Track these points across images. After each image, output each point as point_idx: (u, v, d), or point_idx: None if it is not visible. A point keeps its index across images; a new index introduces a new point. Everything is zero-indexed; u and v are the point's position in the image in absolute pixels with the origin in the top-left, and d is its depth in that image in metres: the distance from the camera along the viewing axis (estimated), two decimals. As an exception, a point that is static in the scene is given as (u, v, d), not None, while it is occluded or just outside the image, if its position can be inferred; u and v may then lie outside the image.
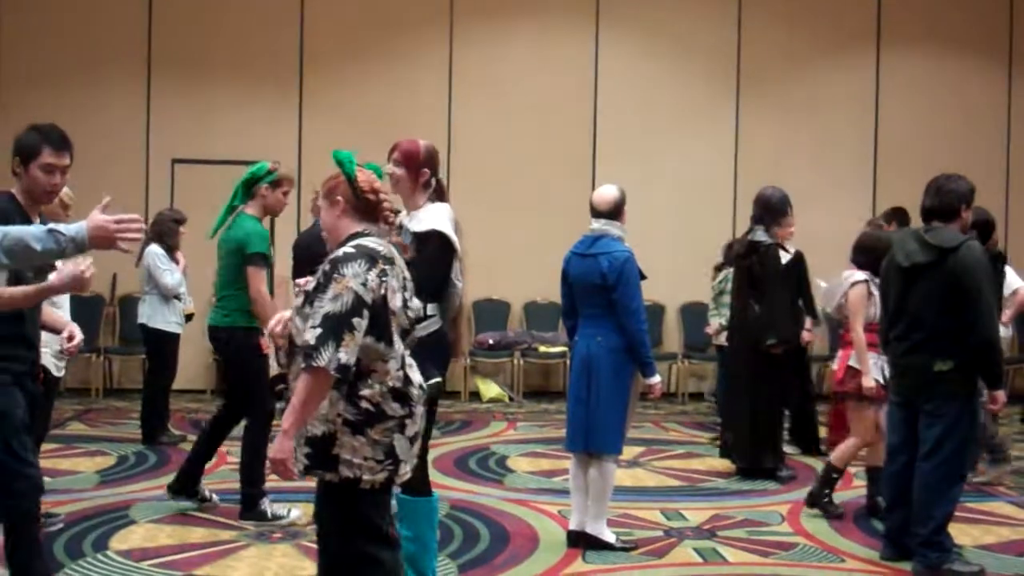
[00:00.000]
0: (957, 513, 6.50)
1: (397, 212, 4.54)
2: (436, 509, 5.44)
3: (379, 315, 4.06)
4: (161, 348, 9.92)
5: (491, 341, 13.01)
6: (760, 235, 8.81)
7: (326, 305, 3.96)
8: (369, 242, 4.16)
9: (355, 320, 3.95)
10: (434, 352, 5.13)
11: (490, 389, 12.97)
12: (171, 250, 9.91)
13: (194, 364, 12.29)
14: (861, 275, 7.50)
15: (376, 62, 13.35)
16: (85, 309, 10.75)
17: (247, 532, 6.92)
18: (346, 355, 3.92)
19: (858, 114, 14.05)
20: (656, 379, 6.70)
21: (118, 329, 12.91)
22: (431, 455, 5.48)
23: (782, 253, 8.82)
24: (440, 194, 5.43)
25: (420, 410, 4.23)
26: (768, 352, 8.69)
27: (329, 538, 4.27)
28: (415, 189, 5.36)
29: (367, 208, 4.27)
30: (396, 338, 4.16)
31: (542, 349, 12.99)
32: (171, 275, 9.74)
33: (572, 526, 6.79)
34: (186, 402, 12.01)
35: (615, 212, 6.71)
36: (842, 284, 7.59)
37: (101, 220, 4.11)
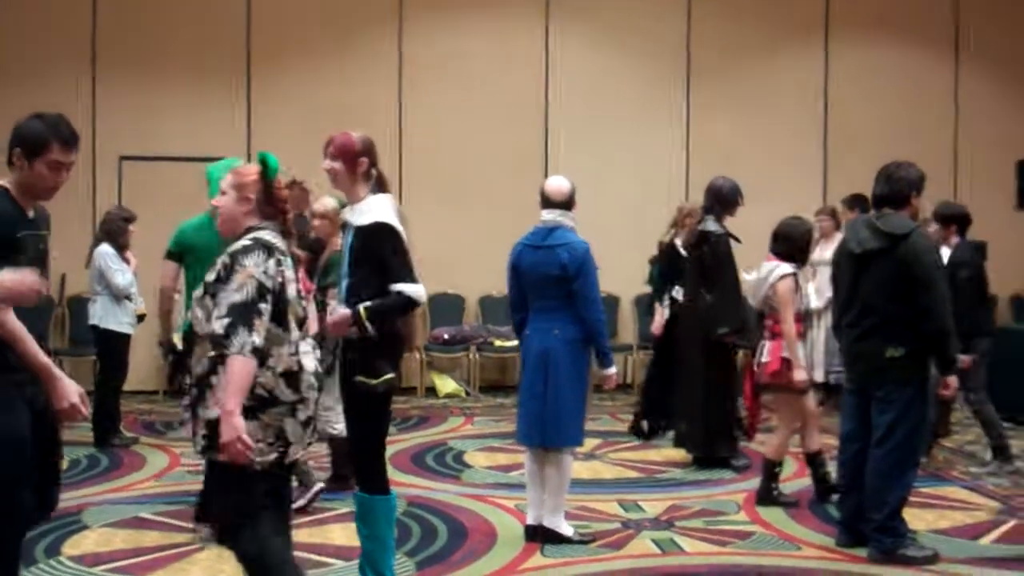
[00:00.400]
0: (911, 498, 6.55)
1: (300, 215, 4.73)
2: (394, 507, 5.40)
3: (278, 302, 4.29)
4: (113, 349, 9.81)
5: (446, 336, 12.97)
6: (711, 225, 8.82)
7: (231, 295, 4.18)
8: (265, 235, 4.40)
9: (261, 306, 4.20)
10: (386, 348, 5.10)
11: (446, 384, 12.93)
12: (121, 249, 9.80)
13: (145, 365, 12.17)
14: (788, 267, 7.54)
15: (325, 56, 13.26)
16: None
17: (201, 535, 6.84)
18: (258, 337, 4.16)
19: (808, 104, 14.13)
20: (613, 369, 6.73)
21: (68, 331, 12.76)
22: (387, 452, 5.42)
23: (733, 243, 8.85)
24: (381, 185, 5.37)
25: (313, 395, 4.39)
26: (720, 341, 8.70)
27: (227, 527, 4.41)
28: (355, 181, 5.30)
29: (273, 212, 4.51)
30: (292, 325, 4.37)
31: (498, 343, 12.96)
32: (123, 275, 9.64)
33: (529, 520, 6.78)
34: (138, 403, 11.91)
35: (568, 203, 6.69)
36: (768, 277, 7.60)
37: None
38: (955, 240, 8.83)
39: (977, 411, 8.91)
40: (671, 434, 9.44)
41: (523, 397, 6.74)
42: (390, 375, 5.12)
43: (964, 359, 8.56)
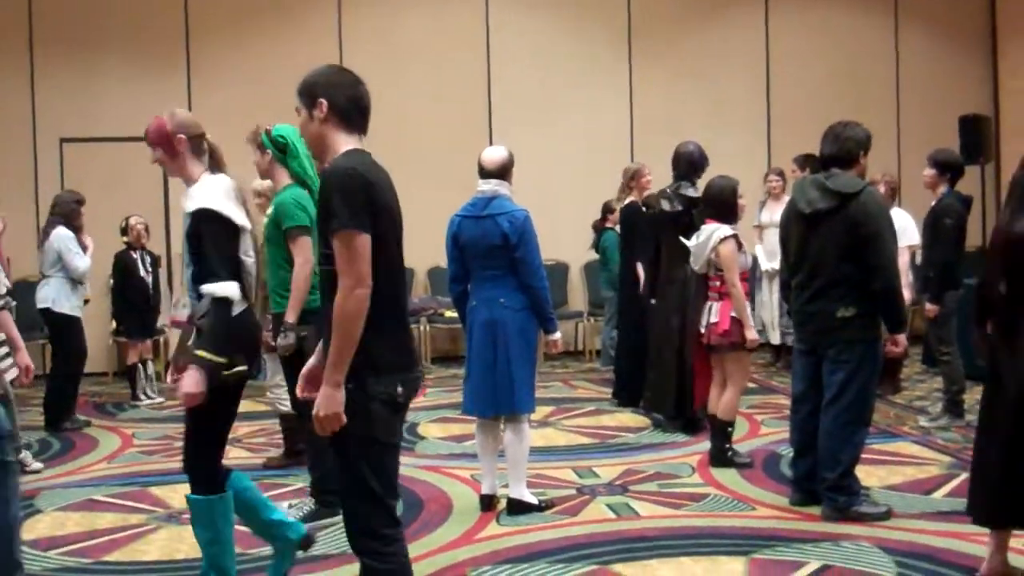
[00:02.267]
0: (863, 455, 6.61)
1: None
2: (231, 506, 5.11)
3: None
4: (68, 333, 9.67)
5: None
6: (691, 191, 8.80)
7: None
8: None
9: None
10: (236, 338, 4.87)
11: (397, 356, 12.90)
12: (77, 231, 9.69)
13: (95, 346, 12.05)
14: (728, 229, 7.60)
15: (263, 31, 13.16)
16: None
17: (156, 515, 6.84)
18: None
19: (750, 67, 14.17)
20: (558, 335, 6.76)
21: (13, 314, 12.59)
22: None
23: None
24: (216, 162, 5.17)
25: None
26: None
27: None
28: (182, 162, 5.08)
29: None
30: None
31: (448, 314, 12.91)
32: (81, 258, 9.54)
33: (484, 490, 6.80)
34: (89, 385, 11.80)
35: (504, 172, 6.68)
36: (709, 240, 7.64)
37: None
38: (942, 189, 8.80)
39: (946, 363, 8.90)
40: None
41: (472, 368, 6.73)
42: (242, 367, 4.86)
43: (931, 308, 8.67)
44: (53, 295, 9.54)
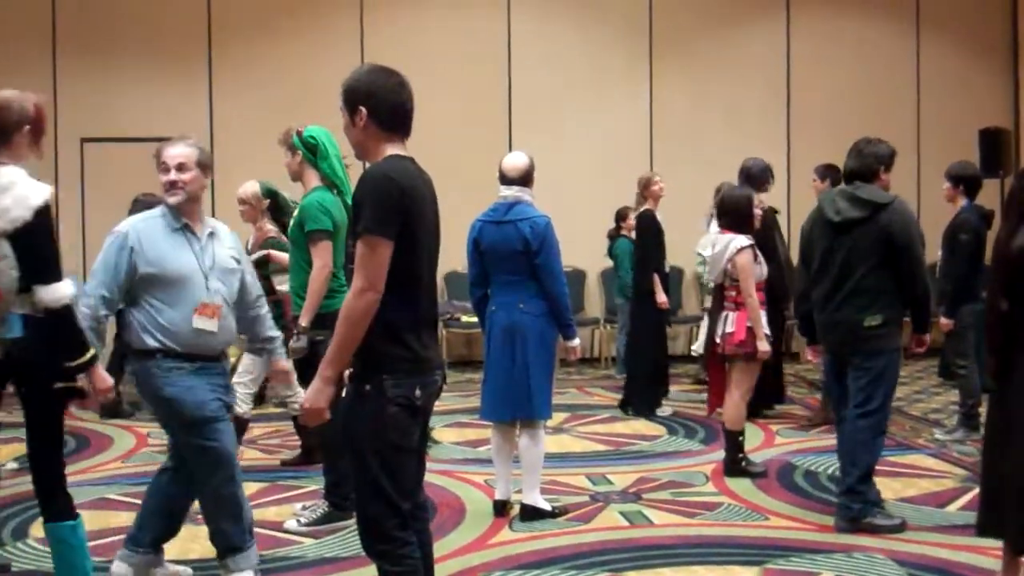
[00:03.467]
0: (879, 467, 6.59)
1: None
2: (83, 534, 5.05)
3: None
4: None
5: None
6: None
7: None
8: None
9: None
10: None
11: (413, 361, 12.90)
12: None
13: (111, 346, 12.09)
14: (744, 240, 7.60)
15: (286, 34, 13.19)
16: None
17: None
18: None
19: (771, 75, 14.14)
20: (576, 342, 6.77)
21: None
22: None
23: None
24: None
25: None
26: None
27: None
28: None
29: None
30: None
31: (464, 319, 12.91)
32: None
33: (498, 496, 6.80)
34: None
35: (526, 179, 6.69)
36: (726, 250, 7.64)
37: None
38: (962, 203, 8.80)
39: (963, 377, 8.86)
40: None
41: (490, 372, 6.74)
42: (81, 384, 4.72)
43: (946, 322, 8.64)
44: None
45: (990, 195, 12.89)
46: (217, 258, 5.23)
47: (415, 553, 4.00)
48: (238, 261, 5.39)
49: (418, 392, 3.91)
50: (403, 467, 3.96)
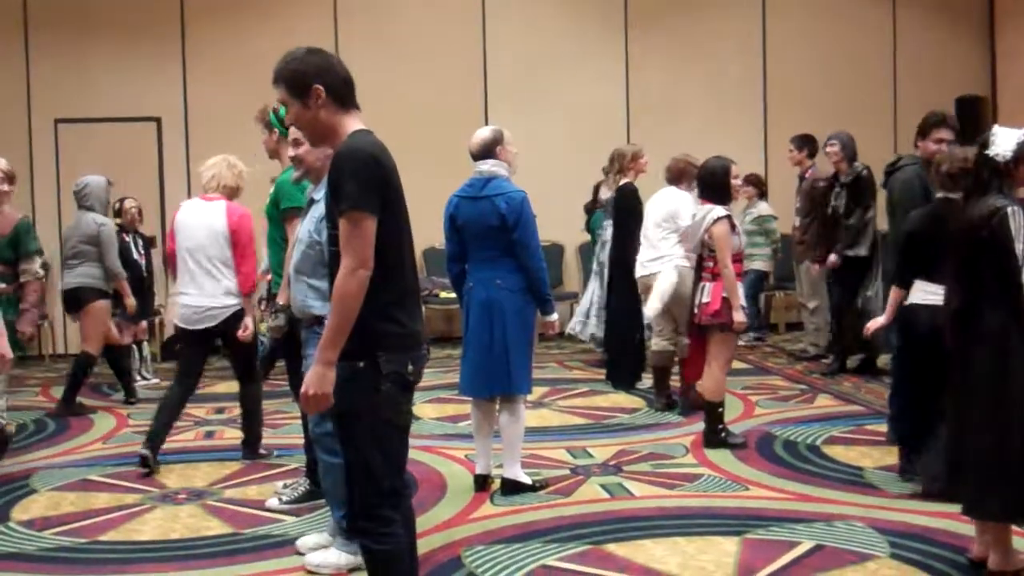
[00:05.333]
0: (856, 436, 6.63)
1: None
2: None
3: None
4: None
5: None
6: None
7: None
8: None
9: None
10: None
11: (393, 338, 12.89)
12: None
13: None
14: (721, 210, 7.60)
15: (259, 10, 13.13)
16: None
17: (151, 495, 6.84)
18: None
19: (747, 46, 14.12)
20: (554, 316, 6.75)
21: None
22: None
23: None
24: None
25: None
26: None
27: None
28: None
29: None
30: None
31: (443, 295, 12.91)
32: None
33: (479, 470, 6.82)
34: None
35: (489, 151, 6.65)
36: (703, 221, 7.65)
37: None
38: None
39: None
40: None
41: (468, 349, 6.75)
42: None
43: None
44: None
45: (966, 163, 12.96)
46: None
47: (399, 531, 3.99)
48: None
49: (410, 367, 3.90)
50: (394, 444, 3.95)
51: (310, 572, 5.38)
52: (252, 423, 7.74)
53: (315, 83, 3.91)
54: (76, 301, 9.42)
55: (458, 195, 6.73)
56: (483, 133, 6.76)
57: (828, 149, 10.19)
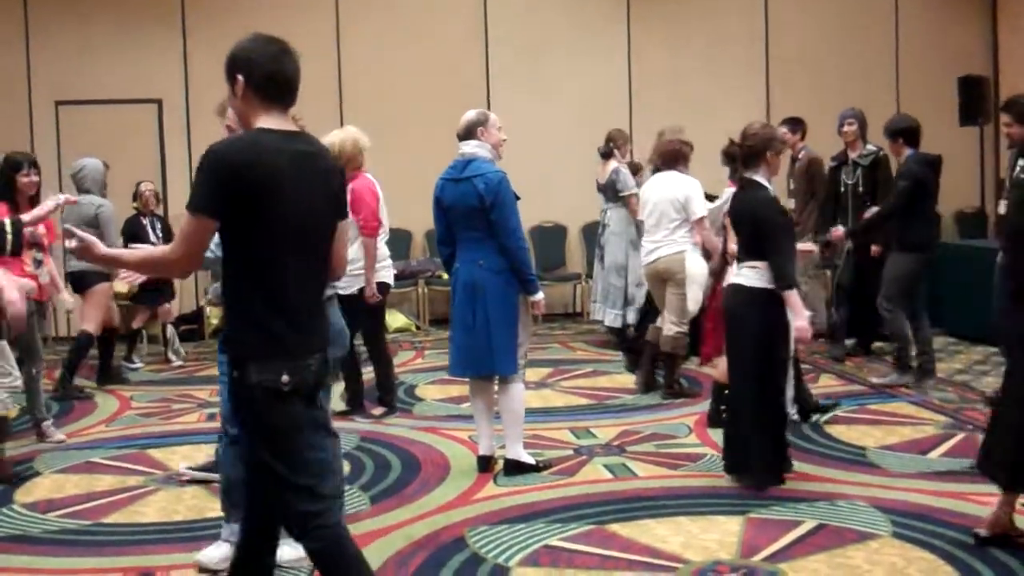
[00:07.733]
0: (859, 415, 6.62)
1: None
2: None
3: None
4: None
5: (395, 271, 12.89)
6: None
7: None
8: None
9: None
10: None
11: (396, 319, 12.91)
12: None
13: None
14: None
15: (261, -7, 13.10)
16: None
17: (155, 477, 6.85)
18: None
19: (749, 23, 14.04)
20: (539, 296, 6.69)
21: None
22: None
23: None
24: None
25: None
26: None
27: None
28: None
29: None
30: None
31: (445, 276, 12.88)
32: None
33: (481, 451, 6.82)
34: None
35: (471, 132, 6.66)
36: (726, 203, 7.59)
37: None
38: (907, 152, 8.91)
39: (888, 320, 8.99)
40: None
41: (454, 329, 6.77)
42: None
43: (876, 249, 9.28)
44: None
45: (968, 143, 12.97)
46: None
47: (329, 522, 3.83)
48: None
49: (285, 377, 3.71)
50: (294, 447, 3.78)
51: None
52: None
53: (237, 73, 3.88)
54: (80, 283, 9.43)
55: (443, 177, 6.76)
56: (468, 115, 6.79)
57: (846, 128, 10.07)
